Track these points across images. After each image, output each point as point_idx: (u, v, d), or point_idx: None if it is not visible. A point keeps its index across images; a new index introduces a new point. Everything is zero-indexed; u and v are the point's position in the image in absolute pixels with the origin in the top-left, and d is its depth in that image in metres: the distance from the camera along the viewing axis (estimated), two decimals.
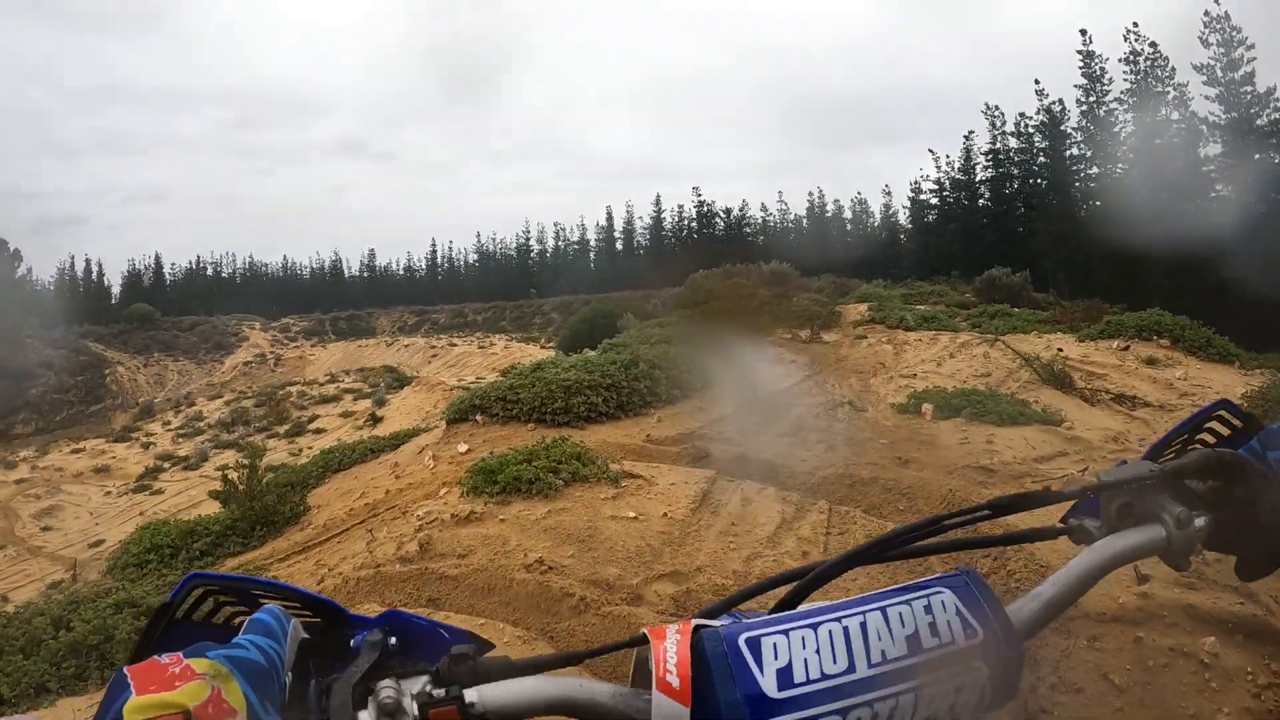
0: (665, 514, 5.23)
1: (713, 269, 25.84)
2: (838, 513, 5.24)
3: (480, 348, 41.03)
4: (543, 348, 35.80)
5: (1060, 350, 11.00)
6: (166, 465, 22.48)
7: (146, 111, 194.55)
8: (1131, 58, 42.35)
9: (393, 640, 0.77)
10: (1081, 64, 44.95)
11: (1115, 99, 43.59)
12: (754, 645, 0.71)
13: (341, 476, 9.36)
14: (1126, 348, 11.25)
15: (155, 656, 0.62)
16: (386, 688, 0.70)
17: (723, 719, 0.68)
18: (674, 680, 0.70)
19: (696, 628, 0.74)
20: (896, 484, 5.64)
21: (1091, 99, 44.85)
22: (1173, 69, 40.88)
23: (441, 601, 4.39)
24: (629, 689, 0.76)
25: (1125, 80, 42.80)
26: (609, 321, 18.66)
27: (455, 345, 43.96)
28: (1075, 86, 45.87)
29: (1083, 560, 0.88)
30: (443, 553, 4.79)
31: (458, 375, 31.62)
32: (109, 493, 20.08)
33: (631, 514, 5.19)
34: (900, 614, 0.74)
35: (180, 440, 26.71)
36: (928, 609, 0.75)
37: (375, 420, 24.52)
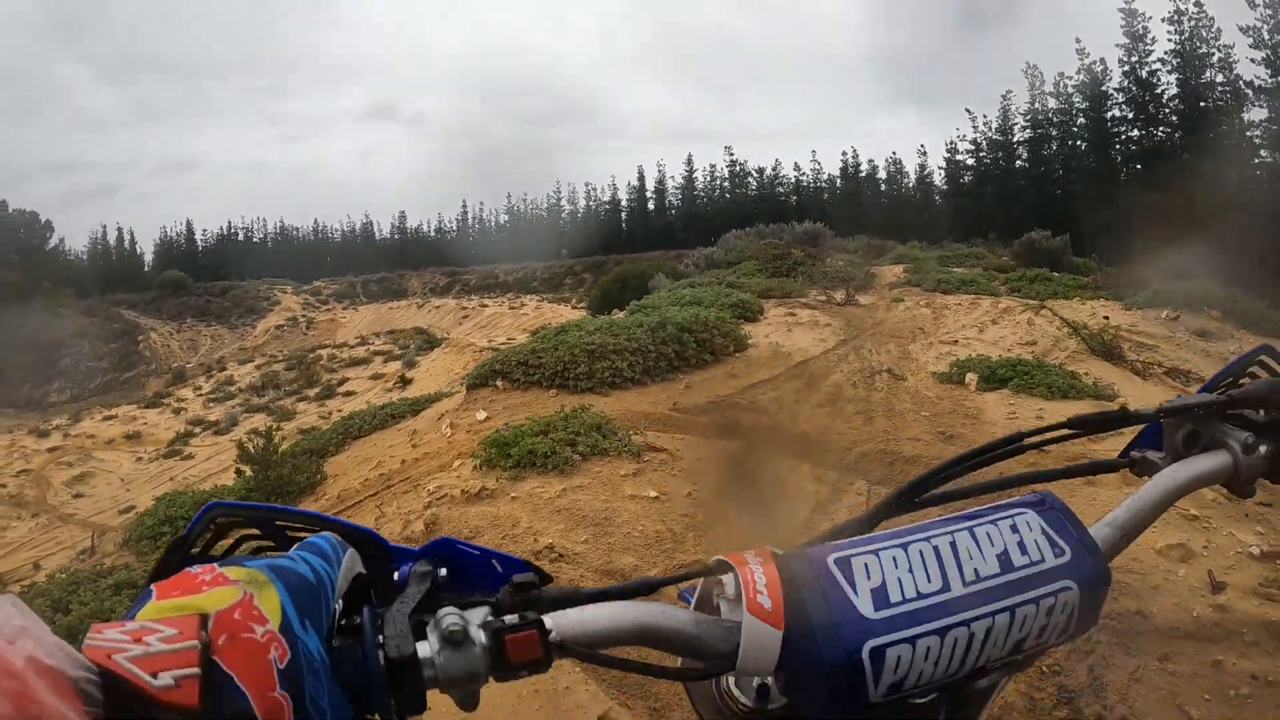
0: (690, 494, 4.90)
1: (745, 229, 25.66)
2: (877, 494, 4.89)
3: (511, 309, 40.98)
4: (574, 308, 35.72)
5: (1107, 318, 10.60)
6: (197, 430, 22.49)
7: (175, 81, 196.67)
8: (1175, 17, 41.39)
9: (443, 571, 0.71)
10: (1123, 22, 43.93)
11: (1159, 59, 42.67)
12: (844, 565, 0.68)
13: (361, 443, 9.20)
14: (1176, 318, 10.83)
15: (188, 569, 0.55)
16: (450, 614, 0.62)
17: (817, 642, 0.64)
18: (766, 602, 0.65)
19: (774, 555, 0.70)
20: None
21: (1134, 59, 43.91)
22: (1218, 30, 39.94)
23: None
24: (713, 617, 0.70)
25: (1169, 40, 41.84)
26: (640, 282, 18.54)
27: (486, 306, 43.94)
28: (1117, 46, 44.92)
29: (1155, 486, 0.89)
30: (446, 534, 4.51)
31: (488, 336, 31.55)
32: (140, 459, 20.17)
33: (653, 493, 4.86)
34: (988, 533, 0.72)
35: (211, 405, 26.80)
36: (1014, 529, 0.73)
37: (405, 383, 24.45)
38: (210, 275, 71.05)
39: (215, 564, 0.56)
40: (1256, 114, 37.61)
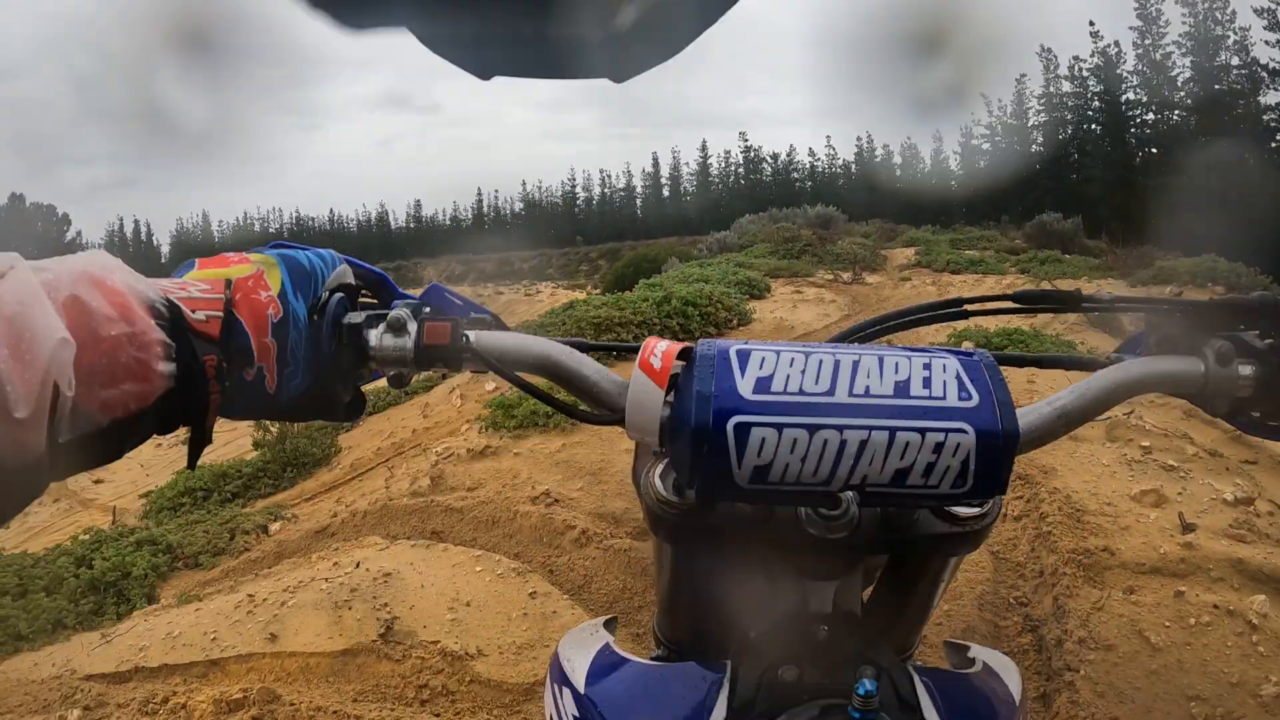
0: None
1: (759, 213, 25.70)
2: None
3: (527, 295, 40.86)
4: (589, 294, 35.65)
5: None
6: None
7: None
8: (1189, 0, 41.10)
9: (427, 309, 0.86)
10: (1137, 5, 43.59)
11: (1173, 41, 42.38)
12: (743, 356, 0.71)
13: (375, 418, 9.35)
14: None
15: (224, 253, 0.77)
16: (398, 310, 0.80)
17: (690, 406, 0.68)
18: (656, 363, 0.73)
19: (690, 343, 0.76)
20: None
21: (1147, 41, 43.62)
22: (1232, 12, 39.62)
23: (446, 534, 4.27)
24: (618, 376, 0.79)
25: (1183, 23, 41.52)
26: (653, 266, 18.61)
27: (502, 294, 43.74)
28: (1130, 29, 44.63)
29: (1110, 374, 0.83)
30: (453, 486, 4.71)
31: None
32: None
33: None
34: (897, 363, 0.71)
35: None
36: (926, 366, 0.71)
37: None
38: None
39: (245, 252, 0.78)
40: (1272, 97, 37.43)
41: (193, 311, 0.64)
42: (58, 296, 0.54)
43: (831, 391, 0.68)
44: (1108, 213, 38.18)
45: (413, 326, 0.80)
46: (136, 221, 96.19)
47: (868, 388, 0.69)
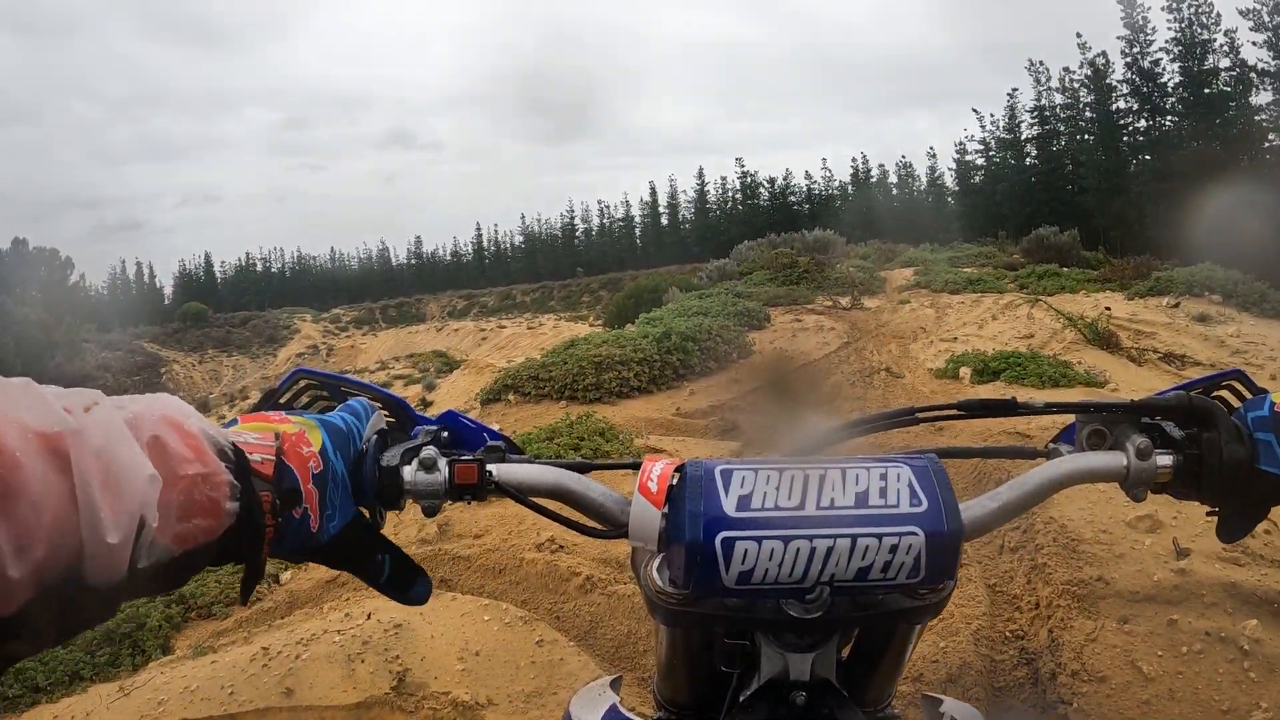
0: None
1: (758, 239, 25.77)
2: None
3: (529, 329, 40.82)
4: (591, 325, 35.70)
5: (1108, 309, 10.67)
6: None
7: (194, 117, 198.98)
8: (1173, 4, 41.27)
9: (445, 434, 0.98)
10: (1123, 14, 43.80)
11: (1160, 48, 42.55)
12: (726, 475, 0.81)
13: None
14: (1176, 305, 10.94)
15: (264, 412, 0.87)
16: (429, 449, 0.89)
17: (685, 525, 0.79)
18: (654, 486, 0.82)
19: (681, 461, 0.85)
20: None
21: (1135, 50, 43.79)
22: (1218, 15, 39.80)
23: (454, 582, 4.34)
24: (618, 494, 0.90)
25: (1169, 29, 41.72)
26: (654, 296, 18.61)
27: (504, 327, 43.89)
28: (1118, 38, 44.78)
29: (1042, 471, 0.94)
30: (460, 533, 4.75)
31: (507, 357, 31.48)
32: None
33: None
34: (857, 475, 0.81)
35: None
36: (883, 477, 0.81)
37: (425, 405, 24.52)
38: (230, 306, 71.86)
39: (284, 411, 0.89)
40: (1263, 97, 37.53)
41: (250, 454, 0.72)
42: (141, 436, 0.60)
43: (802, 505, 0.79)
44: (1105, 222, 38.26)
45: (443, 464, 0.88)
46: (139, 263, 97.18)
47: (833, 500, 0.79)
